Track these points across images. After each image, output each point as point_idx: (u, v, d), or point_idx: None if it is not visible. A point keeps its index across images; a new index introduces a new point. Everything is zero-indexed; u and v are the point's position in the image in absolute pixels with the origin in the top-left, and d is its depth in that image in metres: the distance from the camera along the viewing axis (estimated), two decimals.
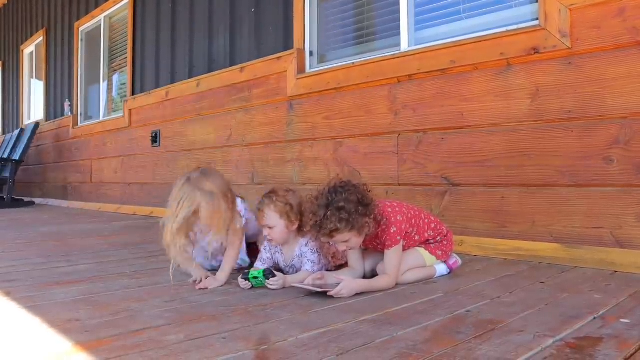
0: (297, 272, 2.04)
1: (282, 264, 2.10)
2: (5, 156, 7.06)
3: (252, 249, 2.27)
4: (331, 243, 1.88)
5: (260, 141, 3.96)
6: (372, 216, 1.80)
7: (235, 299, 1.73)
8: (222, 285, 1.91)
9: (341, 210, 1.75)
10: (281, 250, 2.07)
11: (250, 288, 1.86)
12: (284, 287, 1.86)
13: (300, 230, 2.00)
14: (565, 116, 2.35)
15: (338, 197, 1.77)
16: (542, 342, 1.23)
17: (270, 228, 1.97)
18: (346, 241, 1.82)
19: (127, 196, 5.69)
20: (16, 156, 6.88)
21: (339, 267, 2.09)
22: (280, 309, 1.59)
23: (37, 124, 7.16)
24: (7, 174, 6.73)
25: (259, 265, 2.06)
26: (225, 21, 4.36)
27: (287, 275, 1.93)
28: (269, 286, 1.84)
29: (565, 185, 2.34)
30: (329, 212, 1.75)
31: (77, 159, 6.83)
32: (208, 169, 1.99)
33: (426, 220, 2.03)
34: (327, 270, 2.04)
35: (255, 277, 1.85)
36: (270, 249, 2.09)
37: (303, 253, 2.02)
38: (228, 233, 1.94)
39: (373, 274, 1.96)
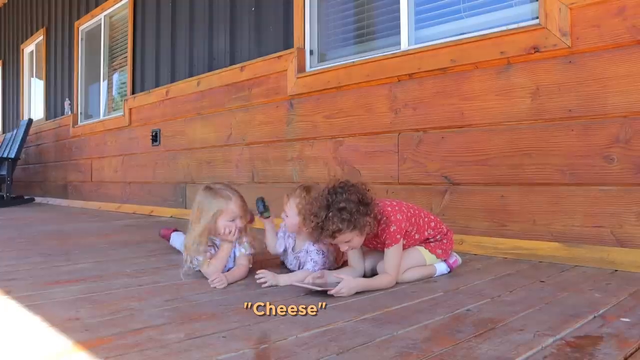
0: (300, 265, 2.09)
1: (289, 250, 2.16)
2: (5, 155, 7.06)
3: None
4: (332, 243, 1.88)
5: (260, 140, 3.96)
6: (373, 215, 1.80)
7: (235, 297, 1.73)
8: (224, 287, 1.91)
9: (342, 210, 1.74)
10: (295, 237, 2.15)
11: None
12: (274, 285, 1.87)
13: None
14: (566, 115, 2.34)
15: (338, 197, 1.77)
16: (542, 341, 1.23)
17: (286, 215, 2.09)
18: (348, 241, 1.81)
19: (127, 195, 5.70)
20: (12, 154, 6.86)
21: (340, 266, 2.09)
22: None
23: (30, 120, 7.13)
24: (4, 172, 6.72)
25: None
26: (226, 20, 4.36)
27: (280, 275, 1.93)
28: (257, 278, 1.88)
29: (566, 184, 2.34)
30: (330, 213, 1.74)
31: (77, 157, 6.83)
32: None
33: (426, 219, 2.03)
34: (329, 269, 2.04)
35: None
36: (285, 231, 2.20)
37: (309, 251, 2.05)
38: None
39: (373, 273, 1.96)
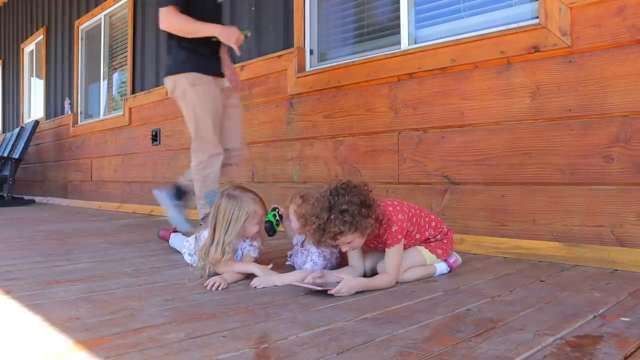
0: (302, 261, 2.11)
1: (298, 244, 2.21)
2: (5, 154, 7.07)
3: None
4: (333, 244, 1.89)
5: (260, 139, 3.96)
6: (374, 216, 1.80)
7: (235, 297, 1.73)
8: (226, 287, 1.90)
9: (344, 213, 1.74)
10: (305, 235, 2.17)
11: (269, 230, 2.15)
12: (274, 285, 1.88)
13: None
14: (566, 114, 2.34)
15: (340, 199, 1.76)
16: (542, 341, 1.23)
17: (290, 220, 2.15)
18: (349, 242, 1.81)
19: (127, 195, 5.70)
20: (16, 155, 6.90)
21: (340, 266, 2.09)
22: (280, 307, 1.59)
23: (36, 122, 7.17)
24: (7, 172, 6.74)
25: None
26: (226, 20, 4.36)
27: (274, 275, 1.94)
28: (252, 286, 1.88)
29: (566, 184, 2.34)
30: (332, 216, 1.74)
31: (78, 157, 6.83)
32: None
33: (427, 219, 2.03)
34: (331, 268, 2.05)
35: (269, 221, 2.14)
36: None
37: (311, 252, 2.07)
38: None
39: (373, 273, 1.96)
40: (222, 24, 2.77)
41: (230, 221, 2.01)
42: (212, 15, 2.77)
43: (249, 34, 2.70)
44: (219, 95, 2.78)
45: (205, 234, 2.11)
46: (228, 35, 2.61)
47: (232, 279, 1.95)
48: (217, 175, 2.74)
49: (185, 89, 2.73)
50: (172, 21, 2.59)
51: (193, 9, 2.64)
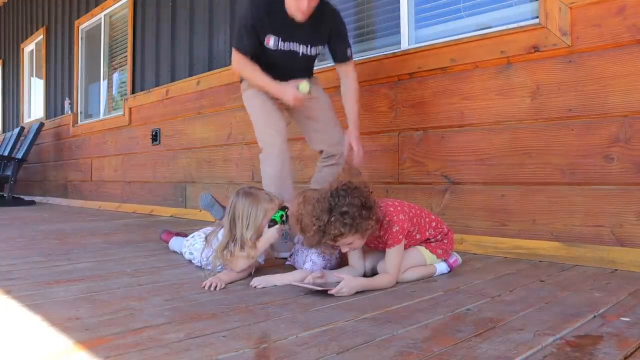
0: (303, 260, 2.11)
1: (299, 243, 2.20)
2: (5, 154, 7.06)
3: None
4: (333, 246, 1.88)
5: None
6: (375, 218, 1.80)
7: (235, 297, 1.73)
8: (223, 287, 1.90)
9: (345, 215, 1.74)
10: None
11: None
12: (274, 285, 1.88)
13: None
14: (566, 114, 2.34)
15: (341, 201, 1.76)
16: (542, 341, 1.23)
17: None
18: (349, 243, 1.81)
19: (127, 194, 5.70)
20: (19, 155, 6.89)
21: (340, 266, 2.09)
22: (280, 307, 1.59)
23: (41, 124, 7.16)
24: (9, 172, 6.74)
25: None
26: (225, 19, 4.36)
27: (273, 275, 1.94)
28: (252, 285, 1.88)
29: (566, 184, 2.34)
30: (332, 217, 1.74)
31: (78, 157, 6.83)
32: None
33: (427, 219, 2.03)
34: (331, 268, 2.05)
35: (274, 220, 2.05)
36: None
37: (310, 252, 2.07)
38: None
39: (373, 273, 1.96)
40: (305, 72, 2.66)
41: (249, 218, 2.03)
42: (287, 62, 2.57)
43: (306, 88, 2.43)
44: (269, 98, 2.60)
45: (220, 235, 2.12)
46: (282, 96, 2.43)
47: (229, 279, 1.95)
48: (272, 175, 2.51)
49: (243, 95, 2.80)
50: (235, 65, 2.61)
51: (263, 52, 2.51)
